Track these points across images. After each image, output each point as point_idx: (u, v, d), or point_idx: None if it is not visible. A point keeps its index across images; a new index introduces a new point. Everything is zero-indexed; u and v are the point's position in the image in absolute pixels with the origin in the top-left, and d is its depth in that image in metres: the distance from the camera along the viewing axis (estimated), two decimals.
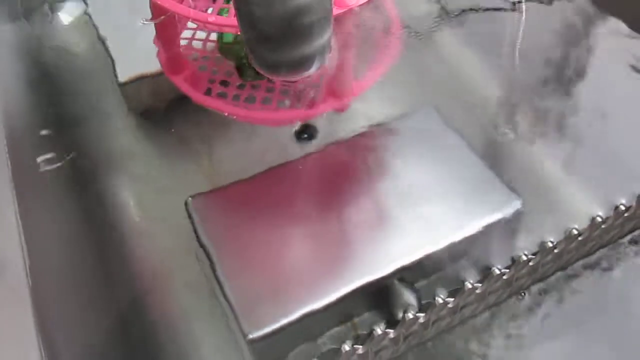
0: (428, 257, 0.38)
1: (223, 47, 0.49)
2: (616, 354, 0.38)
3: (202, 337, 0.39)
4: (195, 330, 0.39)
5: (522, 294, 0.40)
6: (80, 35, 0.56)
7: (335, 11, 0.44)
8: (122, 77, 0.51)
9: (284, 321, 0.36)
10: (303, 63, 0.41)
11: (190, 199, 0.41)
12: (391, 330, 0.35)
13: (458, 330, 0.38)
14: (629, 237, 0.42)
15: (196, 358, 0.38)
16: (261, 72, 0.41)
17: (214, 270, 0.38)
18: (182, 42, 0.50)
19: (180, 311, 0.40)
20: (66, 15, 0.58)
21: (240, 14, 0.39)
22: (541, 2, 0.56)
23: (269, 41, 0.39)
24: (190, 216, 0.40)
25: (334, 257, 0.39)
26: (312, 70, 0.42)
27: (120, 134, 0.49)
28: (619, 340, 0.38)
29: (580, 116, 0.49)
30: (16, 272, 0.38)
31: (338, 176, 0.43)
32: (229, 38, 0.49)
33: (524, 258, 0.37)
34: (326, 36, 0.41)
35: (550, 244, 0.38)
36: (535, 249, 0.38)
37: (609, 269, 0.41)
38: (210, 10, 0.48)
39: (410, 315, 0.35)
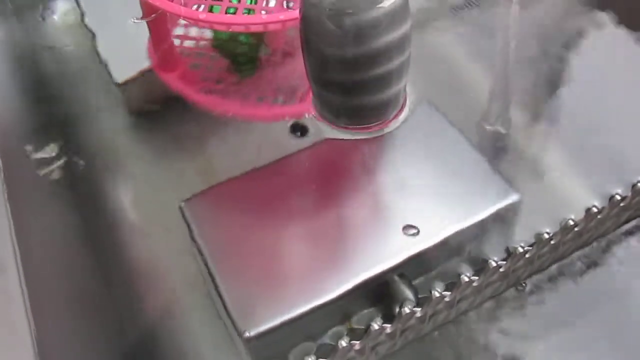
0: (426, 252, 0.38)
1: (217, 43, 0.49)
2: (615, 345, 0.38)
3: (200, 336, 0.39)
4: (193, 329, 0.39)
5: (524, 284, 0.40)
6: (73, 36, 0.56)
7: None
8: (116, 77, 0.51)
9: (280, 319, 0.35)
10: (375, 111, 0.40)
11: (183, 202, 0.40)
12: (388, 325, 0.35)
13: (455, 325, 0.38)
14: (625, 227, 0.42)
15: (194, 356, 0.38)
16: (326, 120, 0.41)
17: (209, 271, 0.38)
18: (174, 41, 0.50)
19: (178, 310, 0.40)
20: (58, 16, 0.58)
21: (310, 54, 0.37)
22: None
23: (340, 86, 0.38)
24: (184, 218, 0.40)
25: (331, 254, 0.38)
26: (386, 118, 0.41)
27: (115, 134, 0.49)
28: (617, 332, 0.38)
29: (575, 107, 0.49)
30: (10, 275, 0.38)
31: (333, 172, 0.43)
32: (223, 34, 0.49)
33: (520, 250, 0.37)
34: (403, 82, 0.39)
35: (546, 235, 0.38)
36: (531, 241, 0.38)
37: (606, 259, 0.41)
38: (201, 8, 0.48)
39: (406, 309, 0.35)
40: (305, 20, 0.36)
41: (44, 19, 0.58)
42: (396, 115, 0.43)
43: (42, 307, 0.38)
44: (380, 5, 0.35)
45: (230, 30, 0.47)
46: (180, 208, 0.40)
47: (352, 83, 0.38)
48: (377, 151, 0.43)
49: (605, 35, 0.54)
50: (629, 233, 0.42)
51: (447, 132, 0.44)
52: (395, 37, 0.37)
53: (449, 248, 0.39)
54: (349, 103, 0.39)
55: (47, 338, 0.37)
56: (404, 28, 0.37)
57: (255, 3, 0.47)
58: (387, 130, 0.43)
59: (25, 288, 0.38)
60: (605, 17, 0.55)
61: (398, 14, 0.36)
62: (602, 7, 0.55)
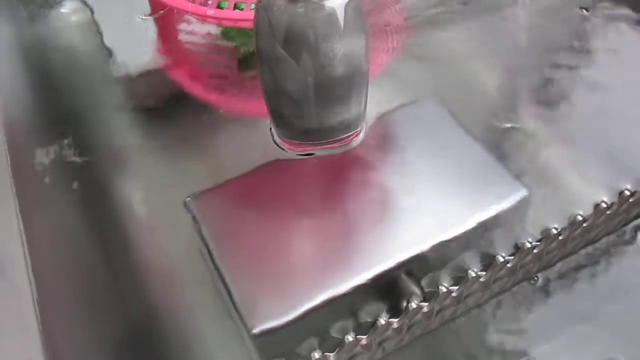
0: (434, 248, 0.38)
1: (225, 40, 0.49)
2: (622, 341, 0.37)
3: (207, 332, 0.39)
4: (200, 324, 0.39)
5: (536, 277, 0.39)
6: (81, 32, 0.56)
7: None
8: (123, 72, 0.51)
9: (288, 316, 0.35)
10: (332, 129, 0.39)
11: (189, 198, 0.40)
12: (394, 320, 0.35)
13: (463, 320, 0.38)
14: (634, 223, 0.42)
15: (201, 353, 0.38)
16: (287, 145, 0.40)
17: (216, 267, 0.38)
18: (182, 37, 0.50)
19: (185, 306, 0.40)
20: (66, 13, 0.58)
21: (261, 59, 0.37)
22: None
23: (292, 96, 0.37)
24: (190, 214, 0.40)
25: (338, 250, 0.38)
26: (346, 135, 0.40)
27: (122, 131, 0.49)
28: (627, 328, 0.38)
29: (585, 103, 0.49)
30: (17, 270, 0.38)
31: (340, 168, 0.43)
32: (231, 31, 0.49)
33: (528, 245, 0.37)
34: (362, 97, 0.38)
35: (554, 231, 0.38)
36: (539, 236, 0.38)
37: (615, 256, 0.41)
38: (209, 3, 0.48)
39: (413, 304, 0.35)
40: (257, 26, 0.35)
41: (52, 16, 0.58)
42: (355, 135, 0.42)
43: (49, 302, 0.38)
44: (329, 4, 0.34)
45: (237, 26, 0.47)
46: (186, 203, 0.40)
47: (303, 93, 0.37)
48: (383, 147, 0.43)
49: (613, 31, 0.54)
50: (639, 229, 0.42)
51: (453, 128, 0.43)
52: (348, 41, 0.36)
53: (457, 244, 0.39)
54: (303, 117, 0.38)
55: (54, 332, 0.37)
56: (358, 33, 0.36)
57: None
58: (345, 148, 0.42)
59: (34, 283, 0.38)
60: (613, 12, 0.55)
61: (350, 15, 0.35)
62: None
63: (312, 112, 0.37)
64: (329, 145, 0.41)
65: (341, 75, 0.36)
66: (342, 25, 0.35)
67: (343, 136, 0.40)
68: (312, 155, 0.42)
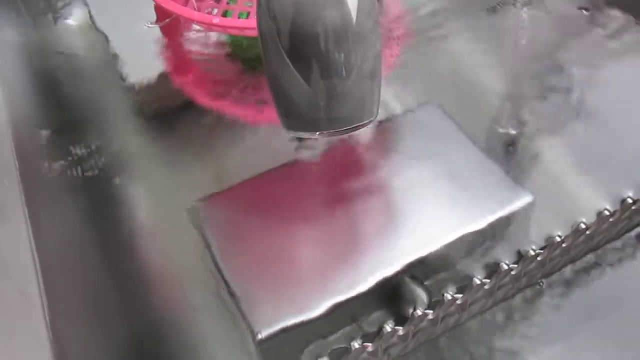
0: (437, 254, 0.38)
1: (231, 47, 0.49)
2: (624, 349, 0.38)
3: (211, 337, 0.39)
4: (205, 330, 0.39)
5: (541, 283, 0.40)
6: (86, 40, 0.56)
7: None
8: (128, 80, 0.51)
9: (294, 321, 0.35)
10: (351, 118, 0.38)
11: (195, 202, 0.41)
12: (400, 327, 0.35)
13: (467, 327, 0.38)
14: (637, 230, 0.42)
15: (205, 358, 0.38)
16: (300, 132, 0.38)
17: (220, 272, 0.38)
18: (187, 45, 0.50)
19: (189, 311, 0.40)
20: (71, 20, 0.58)
21: (264, 42, 0.35)
22: None
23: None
24: (197, 218, 0.40)
25: (343, 255, 0.38)
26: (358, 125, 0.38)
27: (127, 137, 0.50)
28: (629, 334, 0.38)
29: (588, 110, 0.49)
30: (27, 275, 0.38)
31: (343, 174, 0.43)
32: (236, 38, 0.50)
33: (532, 253, 0.37)
34: (377, 88, 0.37)
35: (558, 238, 0.38)
36: (543, 244, 0.38)
37: (618, 263, 0.41)
38: (214, 12, 0.48)
39: (419, 312, 0.35)
40: (259, 23, 0.34)
41: (57, 24, 0.58)
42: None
43: (58, 306, 0.38)
44: None
45: (243, 34, 0.47)
46: (193, 208, 0.41)
47: (314, 86, 0.35)
48: (386, 153, 0.44)
49: (617, 37, 0.54)
50: None
51: (455, 135, 0.44)
52: (361, 35, 0.33)
53: (460, 250, 0.39)
54: (315, 111, 0.37)
55: (62, 335, 0.37)
56: (371, 24, 0.33)
57: None
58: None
59: (43, 287, 0.39)
60: (617, 19, 0.55)
61: (363, 6, 0.32)
62: (613, 6, 0.55)
63: (324, 106, 0.37)
64: (344, 134, 0.40)
65: (353, 68, 0.35)
66: (355, 18, 0.34)
67: (356, 125, 0.39)
68: (317, 161, 0.43)
